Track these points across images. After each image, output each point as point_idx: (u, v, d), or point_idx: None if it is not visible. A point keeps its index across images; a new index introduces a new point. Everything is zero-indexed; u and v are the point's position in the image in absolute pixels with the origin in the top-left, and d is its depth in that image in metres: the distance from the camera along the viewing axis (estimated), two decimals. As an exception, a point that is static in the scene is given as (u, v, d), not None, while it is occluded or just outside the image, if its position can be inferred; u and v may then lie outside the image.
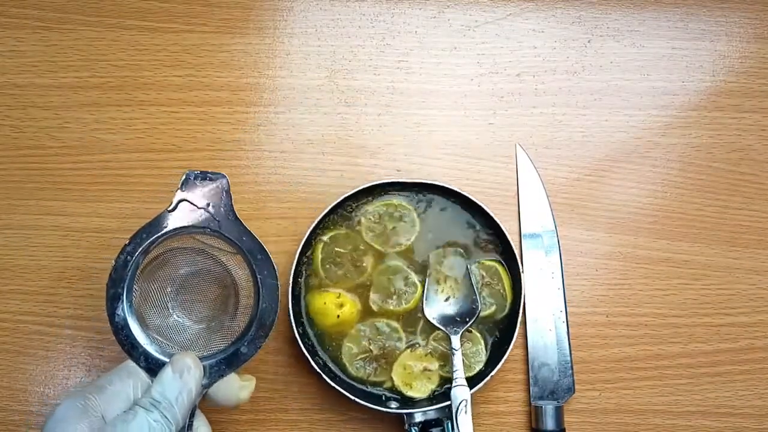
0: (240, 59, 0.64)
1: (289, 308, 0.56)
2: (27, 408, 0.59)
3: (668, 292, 0.62)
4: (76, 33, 0.63)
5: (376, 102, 0.64)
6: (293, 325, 0.56)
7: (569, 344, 0.60)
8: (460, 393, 0.54)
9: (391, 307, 0.58)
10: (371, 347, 0.58)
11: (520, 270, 0.58)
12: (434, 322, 0.58)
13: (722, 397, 0.61)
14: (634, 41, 0.65)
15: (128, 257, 0.48)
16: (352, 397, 0.55)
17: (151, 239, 0.48)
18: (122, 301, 0.47)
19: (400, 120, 0.63)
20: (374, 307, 0.58)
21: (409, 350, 0.58)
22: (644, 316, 0.62)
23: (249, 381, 0.49)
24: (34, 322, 0.60)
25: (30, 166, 0.62)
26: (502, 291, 0.59)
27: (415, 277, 0.59)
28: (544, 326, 0.60)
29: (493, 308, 0.59)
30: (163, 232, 0.48)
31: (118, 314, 0.47)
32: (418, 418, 0.56)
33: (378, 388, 0.58)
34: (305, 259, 0.59)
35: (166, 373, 0.44)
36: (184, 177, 0.49)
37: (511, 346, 0.56)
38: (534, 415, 0.59)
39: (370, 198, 0.60)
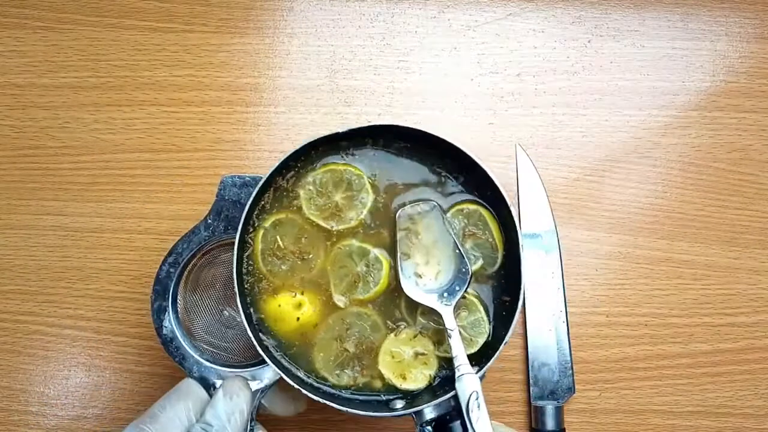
0: (240, 59, 0.64)
1: (244, 323, 0.46)
2: (27, 408, 0.59)
3: (668, 292, 0.62)
4: (76, 33, 0.63)
5: (376, 102, 0.64)
6: (255, 343, 0.45)
7: (569, 344, 0.60)
8: (468, 384, 0.43)
9: (361, 296, 0.48)
10: (346, 346, 0.48)
11: (509, 206, 0.46)
12: (416, 298, 0.47)
13: (722, 397, 0.61)
14: (634, 41, 0.65)
15: (170, 268, 0.47)
16: (350, 410, 0.45)
17: (192, 249, 0.47)
18: (168, 312, 0.47)
19: (399, 120, 0.63)
20: (341, 305, 0.48)
21: (393, 334, 0.48)
22: (644, 316, 0.62)
23: None
24: (34, 322, 0.60)
25: (30, 166, 0.62)
26: (490, 239, 0.49)
27: (377, 252, 0.48)
28: (544, 326, 0.60)
29: (480, 262, 0.49)
30: (203, 241, 0.47)
31: (165, 326, 0.46)
32: (430, 414, 0.45)
33: (372, 393, 0.48)
34: (246, 258, 0.48)
35: (218, 397, 0.45)
36: (221, 182, 0.48)
37: (520, 304, 0.45)
38: (534, 415, 0.59)
39: (309, 167, 0.49)
